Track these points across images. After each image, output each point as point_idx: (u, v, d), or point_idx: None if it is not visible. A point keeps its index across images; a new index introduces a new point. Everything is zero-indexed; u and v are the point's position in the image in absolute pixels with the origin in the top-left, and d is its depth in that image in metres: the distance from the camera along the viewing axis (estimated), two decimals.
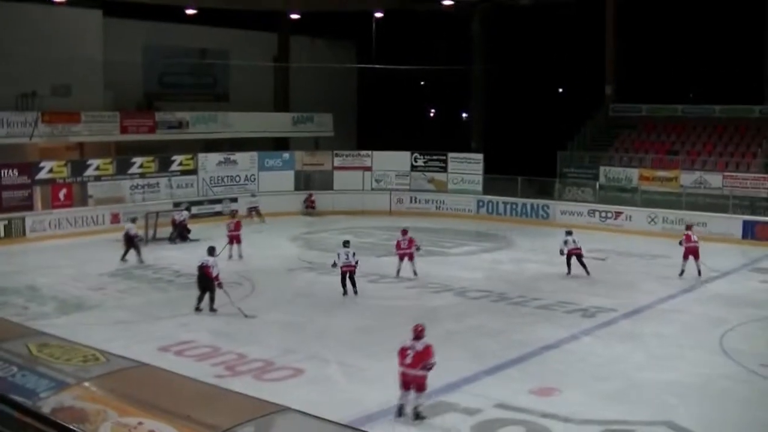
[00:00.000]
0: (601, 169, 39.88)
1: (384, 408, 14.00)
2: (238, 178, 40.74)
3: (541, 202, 39.05)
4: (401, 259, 26.21)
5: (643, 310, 21.94)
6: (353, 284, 23.38)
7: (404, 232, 26.85)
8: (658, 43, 43.50)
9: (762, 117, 40.36)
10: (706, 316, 21.23)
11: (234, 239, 29.18)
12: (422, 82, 55.13)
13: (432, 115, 59.45)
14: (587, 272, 26.10)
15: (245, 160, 41.15)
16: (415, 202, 41.83)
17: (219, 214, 37.47)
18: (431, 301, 22.80)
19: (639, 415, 13.73)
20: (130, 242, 28.42)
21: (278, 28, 48.42)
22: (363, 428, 8.35)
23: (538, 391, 15.01)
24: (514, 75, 48.08)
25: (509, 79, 48.02)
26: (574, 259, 26.30)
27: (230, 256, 28.47)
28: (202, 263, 21.22)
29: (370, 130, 51.43)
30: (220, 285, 20.97)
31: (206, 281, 21.09)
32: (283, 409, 6.70)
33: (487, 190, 40.76)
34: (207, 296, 21.03)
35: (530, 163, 39.44)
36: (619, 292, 23.93)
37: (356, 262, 23.52)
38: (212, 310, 20.91)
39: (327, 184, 42.44)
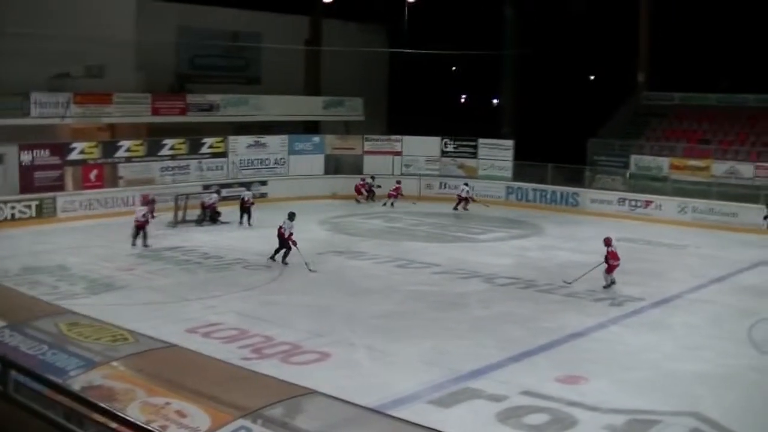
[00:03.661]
0: (632, 157, 39.61)
1: (410, 393, 14.00)
2: (267, 161, 40.85)
3: (571, 189, 38.93)
4: (389, 197, 38.76)
5: (672, 300, 21.82)
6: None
7: (398, 182, 39.45)
8: (692, 31, 42.95)
9: None
10: (735, 307, 21.08)
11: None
12: (453, 67, 54.94)
13: (463, 100, 59.24)
14: (466, 209, 37.44)
15: (275, 143, 41.23)
16: (445, 187, 41.70)
17: None
18: (459, 287, 22.73)
19: (666, 406, 13.64)
20: (244, 207, 32.94)
21: (310, 11, 48.34)
22: (390, 412, 8.35)
23: (564, 379, 14.95)
24: (545, 61, 47.75)
25: (541, 64, 47.73)
26: (462, 203, 37.57)
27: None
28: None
29: (400, 114, 51.27)
30: (294, 243, 24.65)
31: (282, 240, 24.85)
32: (310, 392, 6.74)
33: (516, 176, 40.71)
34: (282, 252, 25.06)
35: (560, 150, 39.14)
36: (648, 281, 23.78)
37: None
38: (284, 263, 24.75)
39: (357, 168, 42.49)
